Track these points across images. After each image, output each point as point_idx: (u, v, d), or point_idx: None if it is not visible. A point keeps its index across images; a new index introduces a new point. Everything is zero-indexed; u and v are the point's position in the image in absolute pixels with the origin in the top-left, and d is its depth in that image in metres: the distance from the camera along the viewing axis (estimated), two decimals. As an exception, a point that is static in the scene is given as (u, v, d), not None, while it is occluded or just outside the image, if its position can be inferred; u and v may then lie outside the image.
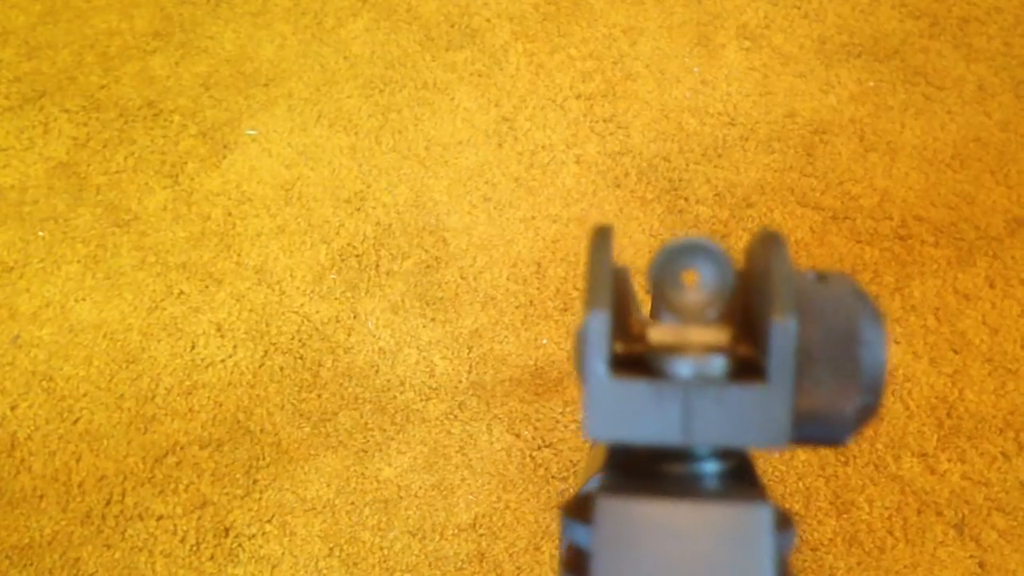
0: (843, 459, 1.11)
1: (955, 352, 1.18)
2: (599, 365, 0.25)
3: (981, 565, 1.03)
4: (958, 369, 1.17)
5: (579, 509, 0.26)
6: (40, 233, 1.32)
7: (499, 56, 1.53)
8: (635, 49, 1.54)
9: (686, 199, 1.34)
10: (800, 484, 1.09)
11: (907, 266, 1.26)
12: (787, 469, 1.10)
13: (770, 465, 1.10)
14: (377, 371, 1.19)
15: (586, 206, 1.34)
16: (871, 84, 1.48)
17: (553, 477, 1.11)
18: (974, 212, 1.32)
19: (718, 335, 0.26)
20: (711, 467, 0.27)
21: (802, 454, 1.11)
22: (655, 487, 0.25)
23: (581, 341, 0.25)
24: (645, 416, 0.25)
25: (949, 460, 1.10)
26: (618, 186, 1.36)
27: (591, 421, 0.25)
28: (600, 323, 0.24)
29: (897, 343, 1.19)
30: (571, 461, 1.12)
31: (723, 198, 1.34)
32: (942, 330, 1.20)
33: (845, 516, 1.07)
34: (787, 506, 1.07)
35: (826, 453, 1.11)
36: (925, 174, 1.36)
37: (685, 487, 0.26)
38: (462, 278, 1.27)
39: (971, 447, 1.11)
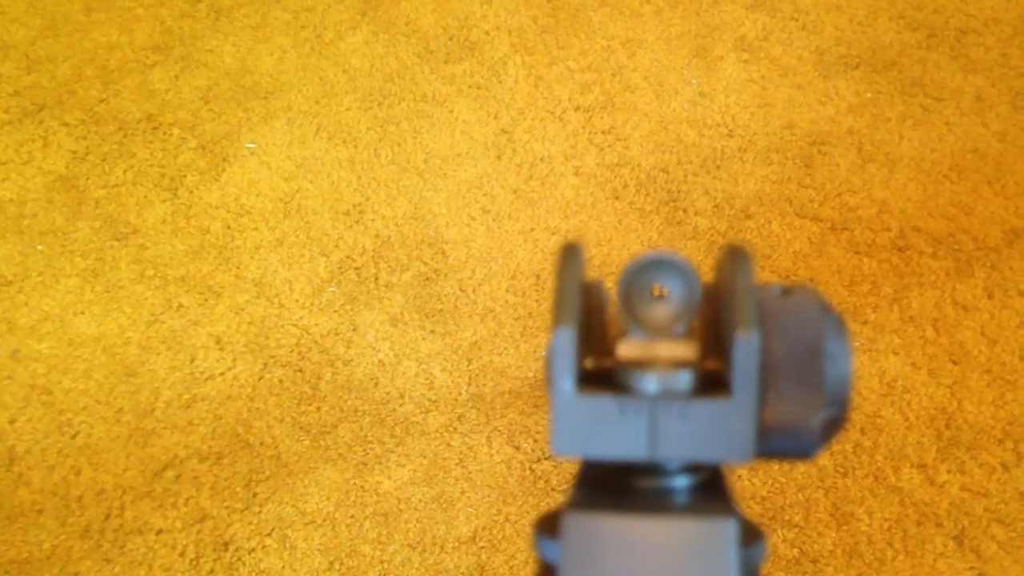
0: (842, 471, 1.10)
1: (954, 363, 1.19)
2: (565, 381, 0.25)
3: (981, 577, 1.03)
4: (957, 380, 1.17)
5: (549, 525, 0.26)
6: (39, 247, 1.33)
7: (498, 68, 1.54)
8: (633, 61, 1.54)
9: (684, 210, 1.35)
10: (799, 496, 1.09)
11: (905, 277, 1.27)
12: (787, 481, 1.10)
13: (769, 477, 1.10)
14: (376, 384, 1.19)
15: (585, 218, 1.34)
16: (869, 95, 1.48)
17: (553, 489, 1.11)
18: (972, 223, 1.32)
19: (685, 350, 0.26)
20: (681, 481, 0.27)
21: (801, 466, 1.11)
22: (623, 502, 0.26)
23: (549, 358, 0.25)
24: (611, 432, 0.25)
25: (948, 471, 1.10)
26: (617, 198, 1.36)
27: (558, 437, 0.25)
28: (566, 340, 0.25)
29: (896, 354, 1.19)
30: (571, 473, 1.12)
31: (721, 209, 1.35)
32: (941, 341, 1.20)
33: (845, 528, 1.07)
34: (786, 518, 1.07)
35: (825, 464, 1.11)
36: (923, 185, 1.37)
37: (653, 502, 0.26)
38: (461, 290, 1.27)
39: (970, 458, 1.11)
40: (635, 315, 0.26)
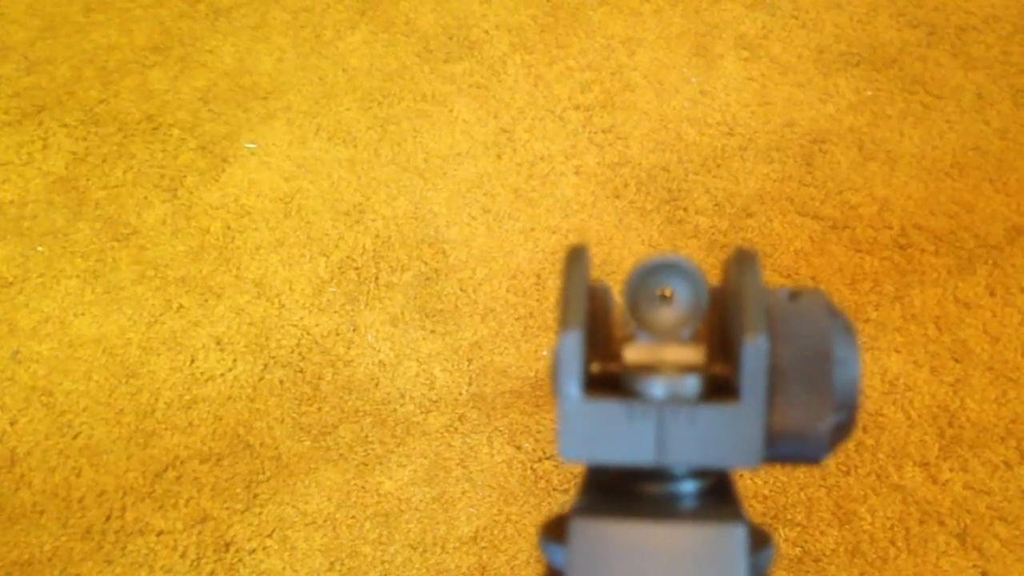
0: (845, 469, 1.10)
1: (956, 361, 1.18)
2: (572, 387, 0.25)
3: (984, 575, 1.03)
4: (959, 378, 1.17)
5: (556, 530, 0.26)
6: (39, 248, 1.32)
7: (497, 68, 1.53)
8: (633, 60, 1.54)
9: (685, 209, 1.35)
10: (802, 495, 1.09)
11: (907, 275, 1.26)
12: (789, 480, 1.10)
13: (771, 476, 1.10)
14: (377, 384, 1.19)
15: (585, 217, 1.34)
16: (869, 93, 1.48)
17: (555, 489, 1.11)
18: (974, 220, 1.32)
19: (692, 354, 0.26)
20: (688, 486, 0.27)
21: (804, 464, 1.10)
22: (631, 507, 0.26)
23: (555, 362, 0.25)
24: (619, 437, 0.25)
25: (951, 469, 1.10)
26: (617, 197, 1.36)
27: (565, 442, 0.25)
28: (573, 345, 0.25)
29: (898, 352, 1.19)
30: (573, 473, 1.12)
31: (722, 208, 1.35)
32: (943, 339, 1.20)
33: (847, 526, 1.06)
34: (788, 517, 1.07)
35: (827, 463, 1.11)
36: (924, 183, 1.36)
37: (661, 507, 0.26)
38: (462, 290, 1.27)
39: (973, 456, 1.11)
40: (642, 319, 0.26)
